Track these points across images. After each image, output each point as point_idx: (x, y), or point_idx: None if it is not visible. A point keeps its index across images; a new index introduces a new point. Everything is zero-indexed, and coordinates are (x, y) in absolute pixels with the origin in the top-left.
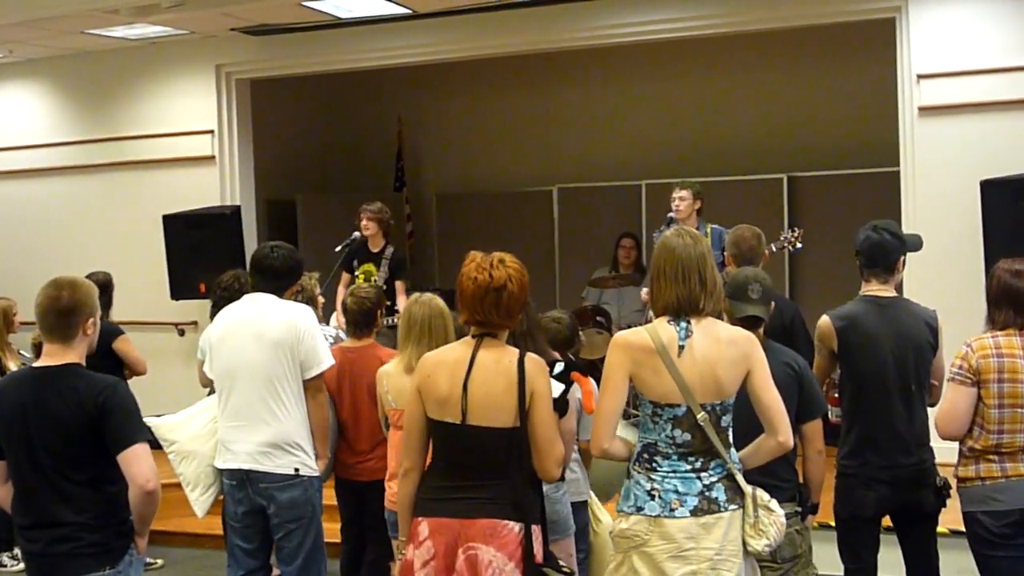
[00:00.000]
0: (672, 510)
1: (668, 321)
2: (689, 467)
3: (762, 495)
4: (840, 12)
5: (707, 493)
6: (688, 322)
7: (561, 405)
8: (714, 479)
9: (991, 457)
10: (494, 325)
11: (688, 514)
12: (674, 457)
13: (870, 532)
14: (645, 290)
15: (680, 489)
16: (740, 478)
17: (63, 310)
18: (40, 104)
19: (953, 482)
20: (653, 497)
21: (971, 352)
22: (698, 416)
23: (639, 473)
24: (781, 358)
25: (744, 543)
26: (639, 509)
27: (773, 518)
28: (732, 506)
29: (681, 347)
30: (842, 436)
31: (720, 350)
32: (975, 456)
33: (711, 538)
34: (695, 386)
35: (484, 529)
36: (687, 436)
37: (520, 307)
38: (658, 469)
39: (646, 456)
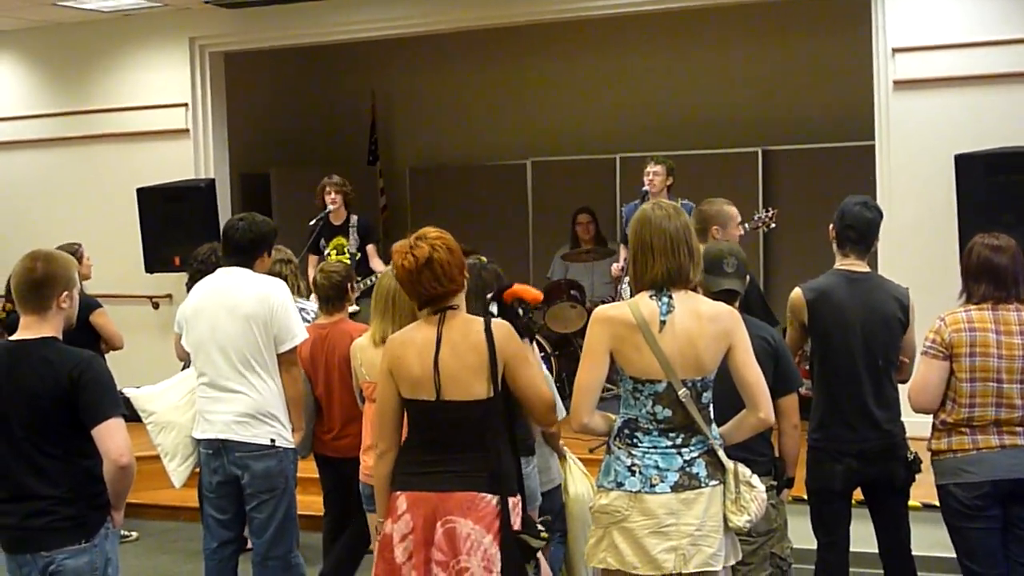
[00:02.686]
0: (653, 486)
1: (650, 296)
2: (670, 443)
3: (744, 471)
4: None
5: (688, 469)
6: (670, 297)
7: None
8: (695, 455)
9: (963, 430)
10: (445, 296)
11: (669, 490)
12: (655, 433)
13: (841, 505)
14: (616, 264)
15: (661, 465)
16: (722, 454)
17: (35, 282)
18: (12, 77)
19: (926, 455)
20: (634, 473)
21: (944, 326)
22: (679, 392)
23: (620, 449)
24: (757, 332)
25: (725, 519)
26: (619, 485)
27: (754, 494)
28: (713, 482)
29: (663, 322)
30: (812, 409)
31: (702, 326)
32: (947, 429)
33: (692, 514)
34: (676, 362)
35: (461, 502)
36: (668, 412)
37: (460, 268)
38: (639, 445)
39: (627, 432)
